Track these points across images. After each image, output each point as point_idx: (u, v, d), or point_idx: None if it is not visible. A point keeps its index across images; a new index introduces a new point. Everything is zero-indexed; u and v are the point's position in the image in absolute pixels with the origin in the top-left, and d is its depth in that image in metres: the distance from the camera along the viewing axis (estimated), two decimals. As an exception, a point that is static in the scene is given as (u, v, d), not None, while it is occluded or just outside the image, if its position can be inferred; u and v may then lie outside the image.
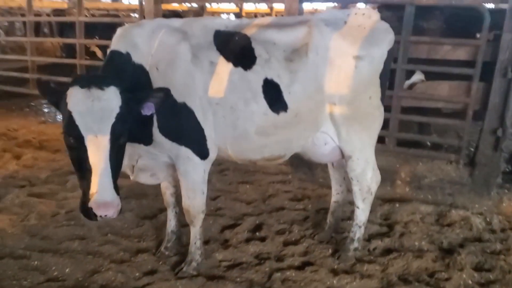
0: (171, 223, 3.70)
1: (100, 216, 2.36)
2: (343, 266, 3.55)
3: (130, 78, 2.84)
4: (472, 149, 4.94)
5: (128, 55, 2.93)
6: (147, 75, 2.95)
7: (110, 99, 2.46)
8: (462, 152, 4.74)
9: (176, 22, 3.20)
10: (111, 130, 2.43)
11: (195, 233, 3.39)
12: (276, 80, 3.07)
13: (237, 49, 3.08)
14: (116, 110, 2.47)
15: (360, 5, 5.90)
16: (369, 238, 3.99)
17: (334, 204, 3.97)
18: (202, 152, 3.12)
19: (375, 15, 3.34)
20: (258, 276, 3.40)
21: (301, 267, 3.52)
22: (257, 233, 4.04)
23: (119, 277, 3.32)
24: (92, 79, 2.53)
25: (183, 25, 3.16)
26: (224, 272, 3.45)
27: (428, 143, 5.49)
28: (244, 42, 3.10)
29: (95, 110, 2.41)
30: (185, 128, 3.04)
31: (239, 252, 3.70)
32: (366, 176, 3.46)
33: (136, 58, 2.95)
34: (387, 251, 3.80)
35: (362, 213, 3.59)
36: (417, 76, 5.16)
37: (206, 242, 3.82)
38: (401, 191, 4.94)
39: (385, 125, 4.96)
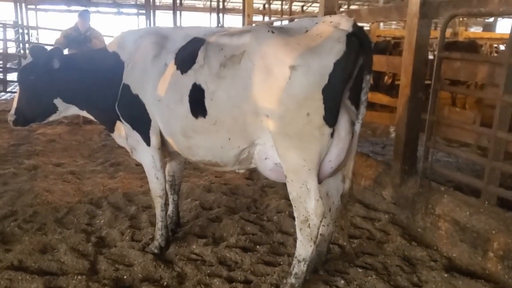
0: (169, 207, 4.17)
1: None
2: (272, 298, 3.20)
3: (103, 67, 3.74)
4: None
5: (114, 54, 3.71)
6: (122, 70, 3.64)
7: (28, 57, 3.79)
8: None
9: (165, 29, 3.73)
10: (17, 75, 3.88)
11: (157, 215, 3.82)
12: (203, 85, 3.17)
13: (186, 54, 3.36)
14: (26, 62, 3.81)
15: None
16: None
17: (319, 237, 3.48)
18: (147, 139, 3.57)
19: (346, 24, 2.90)
20: (191, 273, 3.52)
21: (231, 281, 3.41)
22: (257, 246, 3.97)
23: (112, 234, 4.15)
24: (32, 49, 3.84)
25: (171, 32, 3.66)
26: (178, 261, 3.71)
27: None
28: (196, 48, 3.31)
29: None
30: (135, 116, 3.58)
31: (212, 252, 3.81)
32: (304, 203, 3.02)
33: (123, 57, 3.69)
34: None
35: (301, 246, 3.14)
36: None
37: (205, 237, 4.11)
38: (492, 266, 3.62)
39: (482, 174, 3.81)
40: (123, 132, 3.88)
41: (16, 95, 3.92)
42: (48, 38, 17.30)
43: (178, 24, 19.24)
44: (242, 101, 3.04)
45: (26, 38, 22.79)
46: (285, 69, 2.84)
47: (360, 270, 3.61)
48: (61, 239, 4.00)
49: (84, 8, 10.13)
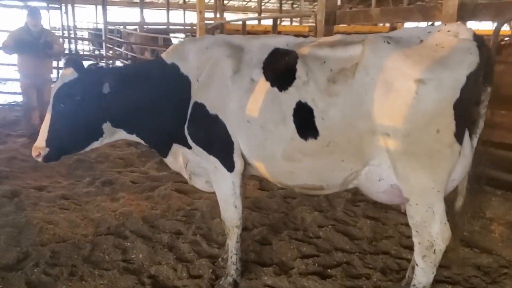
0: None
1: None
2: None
3: (161, 82, 3.23)
4: None
5: (173, 66, 3.20)
6: (189, 85, 3.15)
7: (64, 76, 3.15)
8: None
9: (237, 38, 3.27)
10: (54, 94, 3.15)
11: (231, 247, 3.39)
12: (310, 104, 2.82)
13: (280, 68, 2.98)
14: (62, 82, 3.13)
15: None
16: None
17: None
18: (229, 164, 3.13)
19: (466, 33, 2.69)
20: (283, 311, 3.15)
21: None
22: (329, 270, 3.68)
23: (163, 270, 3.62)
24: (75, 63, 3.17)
25: (244, 42, 3.22)
26: (258, 297, 3.32)
27: None
28: (291, 62, 2.94)
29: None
30: (214, 139, 3.12)
31: (289, 283, 3.46)
32: (429, 228, 2.79)
33: (184, 70, 3.20)
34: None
35: (421, 273, 2.92)
36: None
37: (268, 264, 3.73)
38: None
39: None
40: (180, 157, 3.39)
41: (45, 121, 3.18)
42: None
43: (104, 19, 17.93)
44: (358, 119, 2.73)
45: None
46: (409, 83, 2.59)
47: (449, 286, 3.47)
48: (108, 284, 3.40)
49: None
